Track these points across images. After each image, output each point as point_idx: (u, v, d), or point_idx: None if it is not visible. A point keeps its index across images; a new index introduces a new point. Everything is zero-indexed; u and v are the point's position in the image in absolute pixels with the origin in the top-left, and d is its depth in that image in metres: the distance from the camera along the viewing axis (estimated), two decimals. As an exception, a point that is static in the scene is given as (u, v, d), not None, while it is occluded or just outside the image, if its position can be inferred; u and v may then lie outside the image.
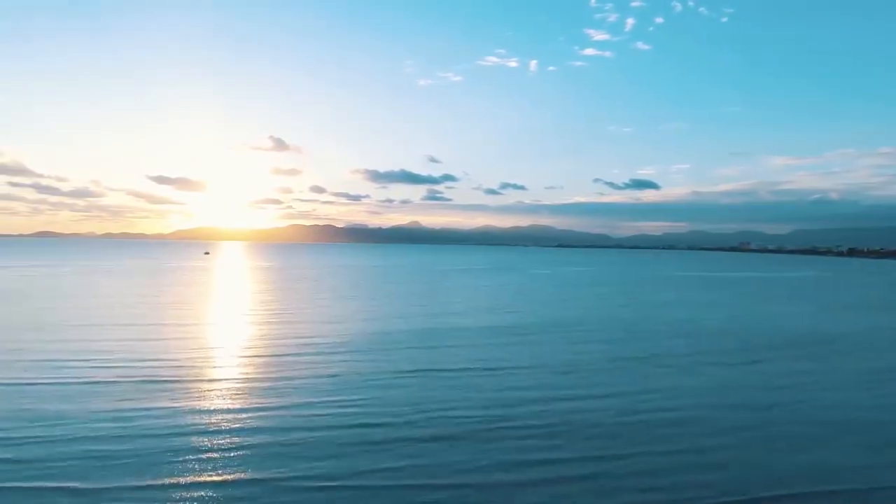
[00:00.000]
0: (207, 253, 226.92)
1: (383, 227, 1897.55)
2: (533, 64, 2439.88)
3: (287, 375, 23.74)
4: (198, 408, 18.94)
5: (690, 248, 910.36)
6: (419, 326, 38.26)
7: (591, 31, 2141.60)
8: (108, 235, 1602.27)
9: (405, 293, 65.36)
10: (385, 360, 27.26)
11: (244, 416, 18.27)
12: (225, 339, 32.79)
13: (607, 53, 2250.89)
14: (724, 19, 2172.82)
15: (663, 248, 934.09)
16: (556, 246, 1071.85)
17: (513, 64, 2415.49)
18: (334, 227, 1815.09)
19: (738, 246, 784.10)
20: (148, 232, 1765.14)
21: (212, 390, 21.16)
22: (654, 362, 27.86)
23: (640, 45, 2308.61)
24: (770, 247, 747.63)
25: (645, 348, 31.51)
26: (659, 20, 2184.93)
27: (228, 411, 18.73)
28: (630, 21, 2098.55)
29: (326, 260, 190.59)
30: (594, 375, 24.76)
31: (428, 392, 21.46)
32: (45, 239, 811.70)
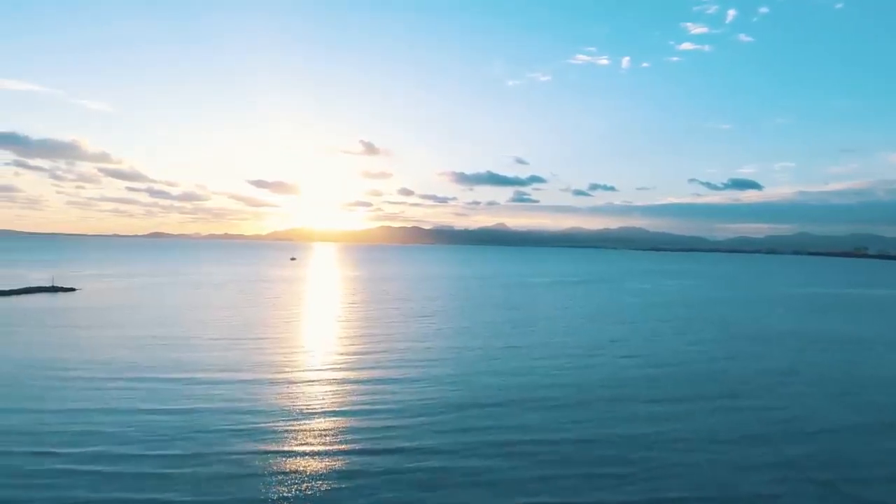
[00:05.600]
0: (294, 259, 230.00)
1: (469, 228, 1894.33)
2: (625, 61, 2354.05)
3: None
4: None
5: (796, 252, 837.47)
6: (506, 394, 29.82)
7: (689, 25, 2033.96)
8: (212, 236, 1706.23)
9: (492, 323, 57.26)
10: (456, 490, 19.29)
11: None
12: (277, 406, 26.16)
13: (706, 47, 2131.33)
14: (839, 6, 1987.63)
15: (766, 252, 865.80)
16: (649, 249, 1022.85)
17: (604, 62, 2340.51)
18: (421, 228, 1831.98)
19: (853, 251, 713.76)
20: (247, 233, 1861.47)
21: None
22: (858, 494, 18.04)
23: (742, 38, 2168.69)
24: (893, 252, 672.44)
25: (834, 454, 21.48)
26: (764, 10, 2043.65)
27: None
28: (731, 12, 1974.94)
29: (413, 268, 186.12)
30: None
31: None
32: (156, 241, 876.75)
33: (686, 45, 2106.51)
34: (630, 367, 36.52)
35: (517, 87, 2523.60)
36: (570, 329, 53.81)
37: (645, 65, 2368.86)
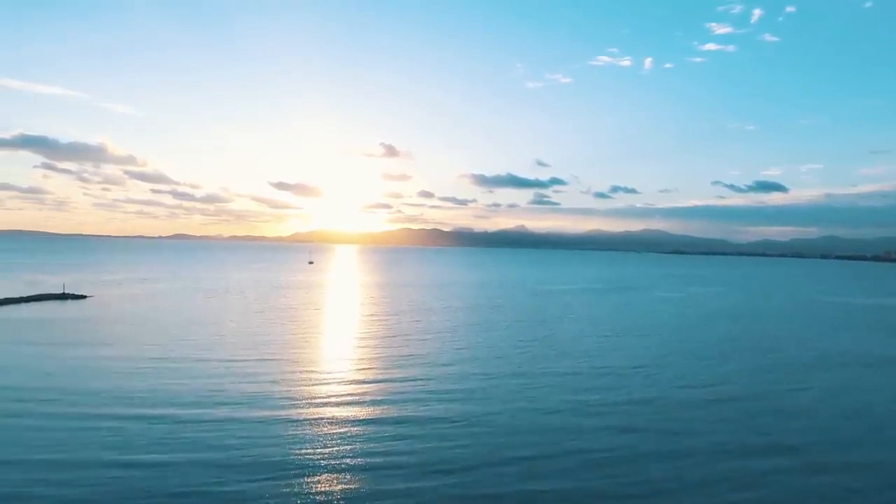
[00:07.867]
0: (311, 262, 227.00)
1: (489, 230, 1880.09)
2: (648, 62, 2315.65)
3: None
4: None
5: (824, 256, 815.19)
6: (545, 443, 25.00)
7: (713, 25, 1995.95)
8: (234, 238, 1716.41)
9: (522, 341, 52.74)
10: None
11: None
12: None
13: (730, 48, 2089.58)
14: (868, 4, 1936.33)
15: (791, 256, 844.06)
16: (671, 252, 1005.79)
17: (626, 63, 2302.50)
18: (441, 230, 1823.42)
19: (883, 255, 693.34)
20: (268, 235, 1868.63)
21: None
22: None
23: (768, 38, 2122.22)
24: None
25: None
26: (790, 9, 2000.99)
27: None
28: (756, 12, 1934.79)
29: (433, 272, 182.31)
30: None
31: None
32: (179, 242, 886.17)
33: (710, 46, 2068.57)
34: (686, 405, 31.25)
35: (538, 88, 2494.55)
36: (610, 349, 48.78)
37: (668, 65, 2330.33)
